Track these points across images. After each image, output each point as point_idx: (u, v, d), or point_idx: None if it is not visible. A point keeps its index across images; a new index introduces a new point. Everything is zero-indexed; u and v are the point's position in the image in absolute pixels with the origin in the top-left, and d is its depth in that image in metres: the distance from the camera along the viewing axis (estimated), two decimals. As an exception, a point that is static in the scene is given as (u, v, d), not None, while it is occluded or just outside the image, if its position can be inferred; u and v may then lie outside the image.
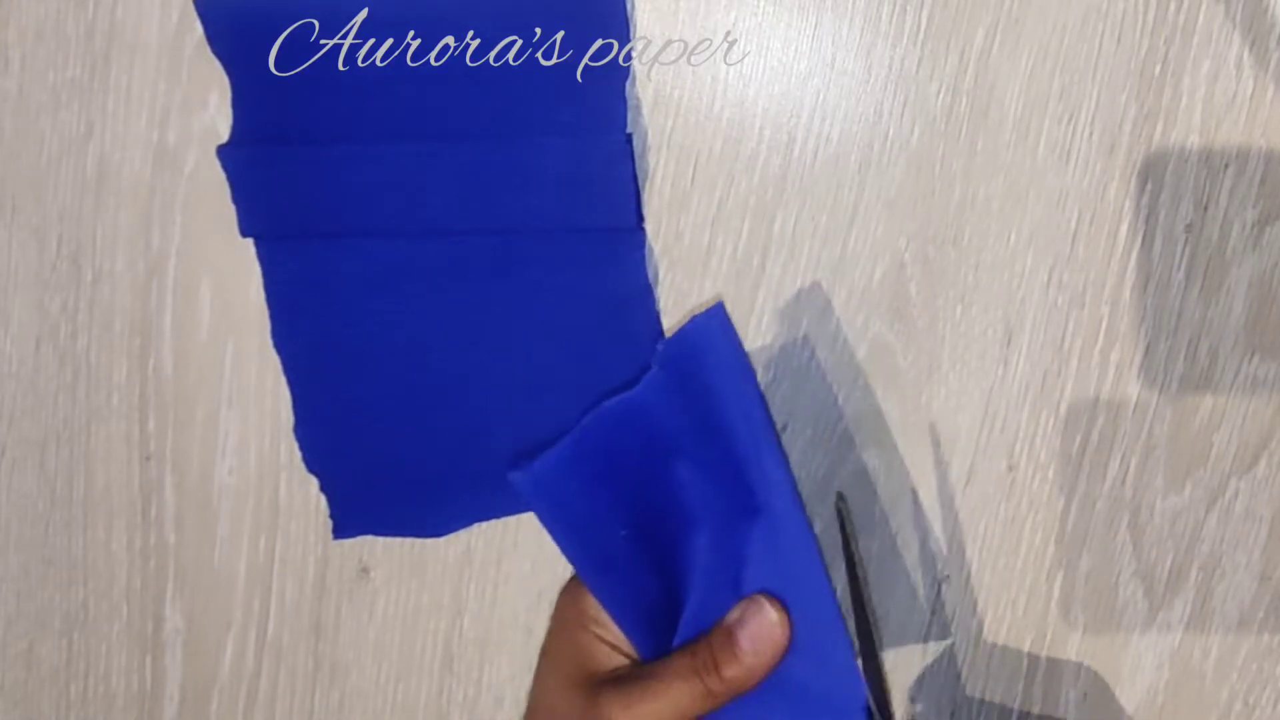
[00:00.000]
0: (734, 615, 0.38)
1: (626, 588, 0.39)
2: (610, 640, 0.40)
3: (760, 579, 0.39)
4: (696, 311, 0.43)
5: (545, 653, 0.41)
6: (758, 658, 0.37)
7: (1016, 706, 0.44)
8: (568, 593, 0.42)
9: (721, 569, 0.39)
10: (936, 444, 0.43)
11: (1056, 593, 0.44)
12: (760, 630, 0.37)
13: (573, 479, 0.39)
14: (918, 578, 0.44)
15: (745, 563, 0.39)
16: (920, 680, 0.44)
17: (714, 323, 0.38)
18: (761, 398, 0.38)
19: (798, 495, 0.38)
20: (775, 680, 0.38)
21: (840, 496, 0.43)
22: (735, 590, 0.39)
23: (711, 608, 0.39)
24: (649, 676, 0.38)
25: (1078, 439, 0.43)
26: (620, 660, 0.40)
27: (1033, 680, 0.44)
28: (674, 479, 0.40)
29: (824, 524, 0.44)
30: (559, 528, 0.39)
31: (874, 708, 0.38)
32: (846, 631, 0.38)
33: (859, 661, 0.39)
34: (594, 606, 0.40)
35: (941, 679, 0.44)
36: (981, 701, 0.44)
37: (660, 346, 0.39)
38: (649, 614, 0.40)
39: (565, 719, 0.38)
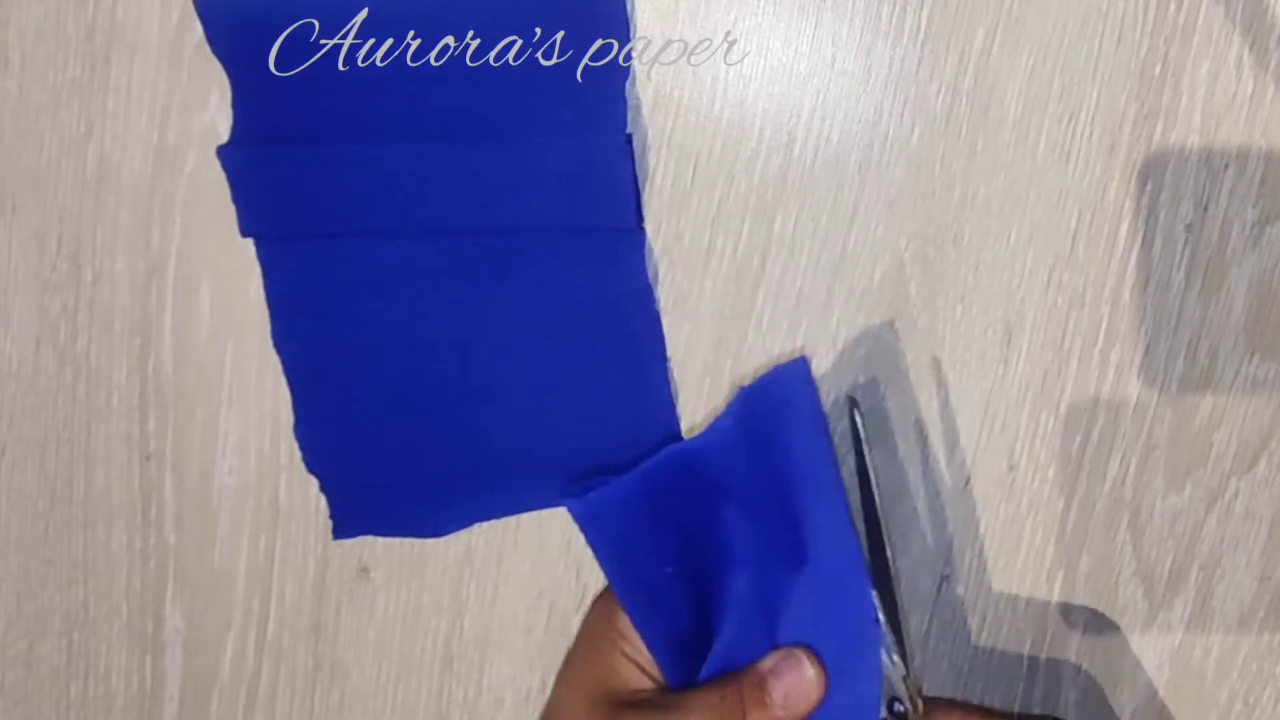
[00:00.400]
0: (768, 663, 0.38)
1: (663, 617, 0.40)
2: (639, 662, 0.39)
3: (796, 627, 0.40)
4: (699, 311, 0.43)
5: (570, 663, 0.41)
6: (787, 711, 0.37)
7: (1017, 706, 0.44)
8: (600, 607, 0.41)
9: (758, 612, 0.40)
10: (936, 444, 0.43)
11: (1056, 593, 0.44)
12: (796, 685, 0.38)
13: (625, 514, 0.39)
14: (918, 577, 0.44)
15: (783, 610, 0.40)
16: (920, 679, 0.44)
17: (797, 376, 0.39)
18: (833, 456, 0.39)
19: (862, 556, 0.39)
20: None
21: (852, 400, 0.42)
22: (769, 634, 0.40)
23: (743, 648, 0.40)
24: (673, 708, 0.37)
25: (1078, 439, 0.43)
26: (646, 684, 0.39)
27: (1033, 680, 0.44)
28: (722, 519, 0.41)
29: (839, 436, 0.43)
30: (606, 557, 0.39)
31: (884, 621, 0.38)
32: (879, 698, 0.39)
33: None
34: (626, 625, 0.40)
35: (941, 678, 0.44)
36: (981, 702, 0.44)
37: (740, 395, 0.40)
38: (682, 644, 0.40)
39: None
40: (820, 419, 0.39)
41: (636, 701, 0.38)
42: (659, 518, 0.40)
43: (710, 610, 0.41)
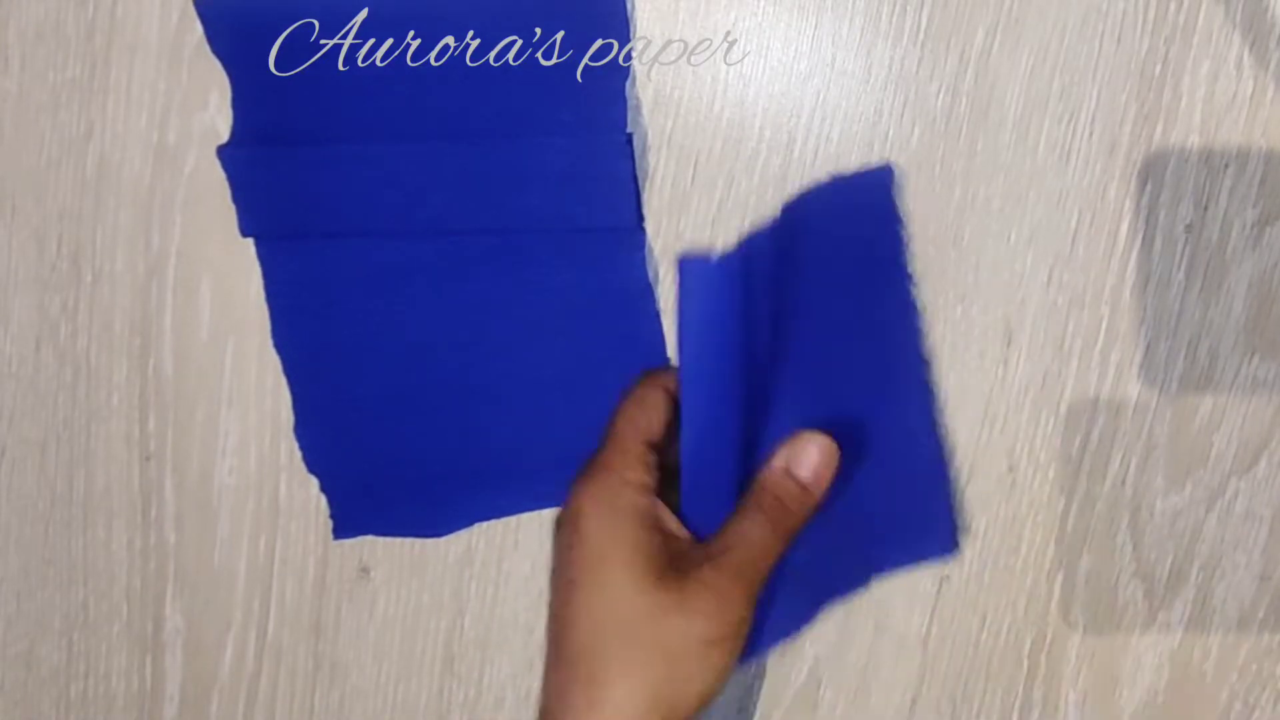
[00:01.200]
0: (781, 458, 0.38)
1: (713, 409, 0.40)
2: (669, 527, 0.39)
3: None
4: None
5: (588, 562, 0.38)
6: (820, 484, 0.38)
7: (1016, 706, 0.44)
8: (596, 496, 0.38)
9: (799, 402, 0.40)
10: (936, 444, 0.43)
11: (1056, 593, 0.44)
12: (814, 458, 0.38)
13: (723, 288, 0.40)
14: (918, 577, 0.44)
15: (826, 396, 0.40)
16: (920, 680, 0.44)
17: (885, 180, 0.41)
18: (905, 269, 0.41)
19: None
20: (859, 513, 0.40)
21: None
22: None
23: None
24: (730, 541, 0.37)
25: (1078, 439, 0.43)
26: (683, 544, 0.38)
27: (1033, 680, 0.44)
28: (790, 313, 0.41)
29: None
30: (693, 327, 0.40)
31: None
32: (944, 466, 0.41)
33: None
34: (632, 497, 0.38)
35: (941, 678, 0.44)
36: (981, 702, 0.44)
37: (824, 187, 0.41)
38: (714, 453, 0.40)
39: (649, 614, 0.36)
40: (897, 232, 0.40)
41: (692, 558, 0.37)
42: (743, 301, 0.40)
43: (749, 419, 0.41)
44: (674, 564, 0.37)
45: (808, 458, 0.38)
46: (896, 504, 0.41)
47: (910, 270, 0.41)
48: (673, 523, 0.39)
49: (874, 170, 0.41)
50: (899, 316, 0.41)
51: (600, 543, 0.38)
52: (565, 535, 0.38)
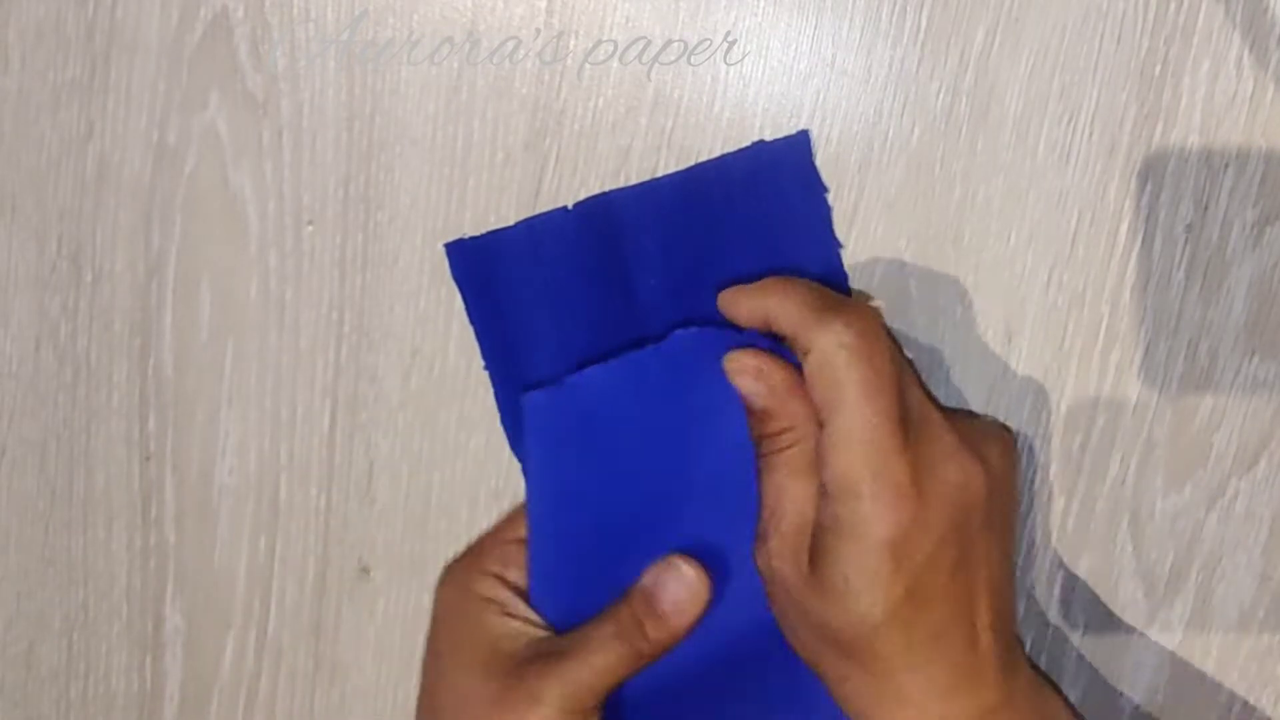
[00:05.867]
0: (649, 578, 0.38)
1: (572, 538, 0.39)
2: (521, 615, 0.39)
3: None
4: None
5: (442, 646, 0.41)
6: (681, 618, 0.38)
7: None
8: (455, 582, 0.41)
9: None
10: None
11: (1056, 593, 0.44)
12: (680, 591, 0.38)
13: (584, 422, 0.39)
14: (918, 578, 0.44)
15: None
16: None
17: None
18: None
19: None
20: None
21: None
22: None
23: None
24: (574, 645, 0.38)
25: (1078, 439, 0.43)
26: (535, 633, 0.39)
27: (1033, 680, 0.44)
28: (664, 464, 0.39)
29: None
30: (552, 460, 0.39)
31: None
32: None
33: None
34: (491, 587, 0.40)
35: (941, 679, 0.44)
36: (981, 701, 0.44)
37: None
38: (575, 566, 0.39)
39: (484, 706, 0.37)
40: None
41: (532, 656, 0.38)
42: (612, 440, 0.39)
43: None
44: (528, 652, 0.38)
45: (669, 590, 0.38)
46: None
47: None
48: (530, 615, 0.39)
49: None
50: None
51: (453, 628, 0.40)
52: (432, 613, 0.41)
